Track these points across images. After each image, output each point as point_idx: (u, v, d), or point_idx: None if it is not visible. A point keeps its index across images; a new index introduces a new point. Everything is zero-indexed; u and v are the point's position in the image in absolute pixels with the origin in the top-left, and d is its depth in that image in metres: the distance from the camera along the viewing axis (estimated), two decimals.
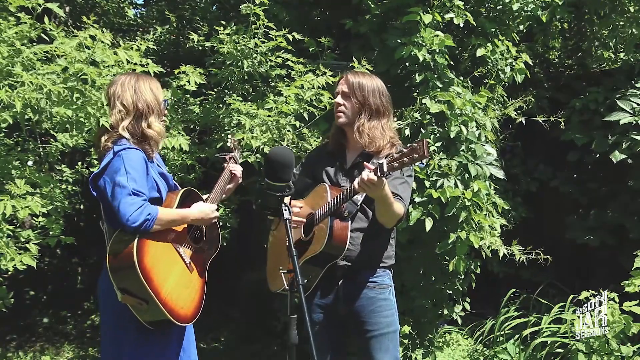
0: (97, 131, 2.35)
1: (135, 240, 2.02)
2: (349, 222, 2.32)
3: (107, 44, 2.88)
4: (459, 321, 4.10)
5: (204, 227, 2.31)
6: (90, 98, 2.63)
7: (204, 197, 2.50)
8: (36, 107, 2.56)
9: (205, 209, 2.25)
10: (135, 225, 1.99)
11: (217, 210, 2.34)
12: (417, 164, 2.00)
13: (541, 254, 3.42)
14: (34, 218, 2.95)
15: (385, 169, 2.02)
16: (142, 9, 6.03)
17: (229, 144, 2.79)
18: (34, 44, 2.77)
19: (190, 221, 2.21)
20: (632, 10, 4.65)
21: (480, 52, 3.70)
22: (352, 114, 2.41)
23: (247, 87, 3.73)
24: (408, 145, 2.01)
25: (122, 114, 2.18)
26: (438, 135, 3.41)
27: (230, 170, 2.55)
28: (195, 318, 2.19)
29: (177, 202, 2.22)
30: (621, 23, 4.74)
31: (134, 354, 2.13)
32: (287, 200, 2.01)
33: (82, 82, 2.70)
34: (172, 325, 2.10)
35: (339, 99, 2.42)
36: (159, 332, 2.14)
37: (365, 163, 2.14)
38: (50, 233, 2.91)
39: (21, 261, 2.72)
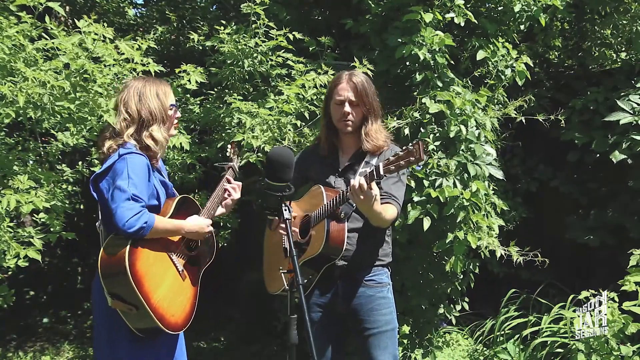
0: (100, 132, 2.35)
1: (128, 246, 2.01)
2: (346, 223, 2.33)
3: (110, 38, 2.87)
4: (453, 321, 4.10)
5: None
6: (93, 95, 2.63)
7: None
8: (38, 103, 2.56)
9: (200, 222, 2.24)
10: (131, 230, 1.98)
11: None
12: (415, 166, 2.01)
13: (539, 255, 3.41)
14: (34, 215, 2.95)
15: (381, 172, 2.03)
16: (142, 9, 6.03)
17: (227, 153, 2.77)
18: (35, 42, 2.77)
19: (184, 233, 2.21)
20: (633, 8, 4.64)
21: (480, 55, 3.70)
22: (359, 121, 2.42)
23: (247, 86, 3.73)
24: (404, 147, 2.01)
25: (127, 122, 2.18)
26: (437, 134, 3.41)
27: (225, 189, 2.51)
28: (186, 326, 2.19)
29: (172, 209, 2.22)
30: (624, 22, 4.73)
31: (127, 356, 2.13)
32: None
33: (83, 80, 2.71)
34: (161, 333, 2.09)
35: (347, 108, 2.40)
36: (150, 337, 2.14)
37: (359, 178, 2.10)
38: (51, 229, 2.92)
39: (26, 256, 2.72)
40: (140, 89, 2.20)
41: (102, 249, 2.08)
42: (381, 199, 2.29)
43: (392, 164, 2.01)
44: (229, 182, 2.54)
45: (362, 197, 2.07)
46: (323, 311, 2.42)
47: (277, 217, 2.03)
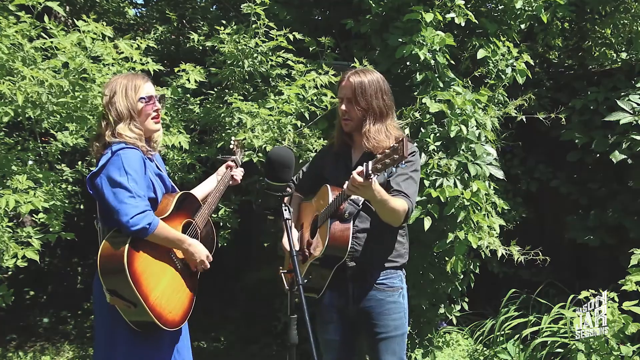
0: (93, 134, 2.35)
1: (127, 244, 2.00)
2: (351, 223, 2.30)
3: (109, 37, 2.87)
4: (454, 321, 4.10)
5: (199, 231, 2.30)
6: (93, 93, 2.62)
7: (201, 195, 2.50)
8: (37, 102, 2.55)
9: (202, 251, 2.21)
10: (134, 228, 1.98)
11: (218, 211, 2.34)
12: (399, 164, 1.97)
13: (540, 254, 3.42)
14: (34, 215, 2.94)
15: (369, 171, 2.01)
16: (142, 9, 6.02)
17: (231, 146, 2.79)
18: (33, 41, 2.77)
19: (182, 249, 2.18)
20: (634, 7, 4.63)
21: (481, 54, 3.70)
22: (358, 120, 2.39)
23: (247, 86, 3.73)
24: (391, 145, 2.00)
25: (105, 124, 2.20)
26: (438, 134, 3.41)
27: (232, 175, 2.56)
28: (183, 323, 2.19)
29: (173, 206, 2.21)
30: (624, 22, 4.72)
31: (129, 354, 2.13)
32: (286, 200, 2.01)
33: (82, 79, 2.70)
34: (159, 329, 2.09)
35: (344, 107, 2.39)
36: (151, 333, 2.14)
37: (354, 172, 2.10)
38: (51, 229, 2.91)
39: (24, 256, 2.71)
40: (113, 89, 2.21)
41: (101, 245, 2.07)
42: (391, 195, 2.27)
43: (378, 162, 1.98)
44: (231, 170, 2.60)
45: (359, 188, 2.05)
46: (336, 312, 2.42)
47: (276, 217, 2.02)
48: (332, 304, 2.42)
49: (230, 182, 2.59)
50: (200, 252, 2.21)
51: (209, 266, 2.25)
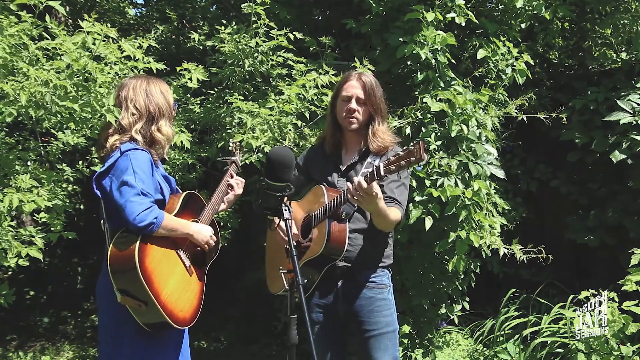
0: (103, 130, 2.34)
1: (137, 242, 2.02)
2: (347, 223, 2.32)
3: (112, 38, 2.87)
4: (456, 321, 4.10)
5: None
6: (95, 95, 2.62)
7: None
8: (40, 103, 2.55)
9: (205, 231, 2.26)
10: (141, 225, 1.99)
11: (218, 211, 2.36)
12: (416, 167, 2.00)
13: (543, 251, 3.42)
14: (35, 215, 2.95)
15: (382, 172, 2.02)
16: (143, 9, 6.03)
17: (230, 148, 2.79)
18: (36, 42, 2.76)
19: (188, 234, 2.21)
20: (634, 7, 4.63)
21: (481, 54, 3.70)
22: (364, 119, 2.41)
23: (248, 86, 3.73)
24: (404, 147, 2.01)
25: (135, 117, 2.21)
26: (439, 134, 3.41)
27: (229, 184, 2.56)
28: (194, 321, 2.20)
29: (179, 205, 2.23)
30: (624, 22, 4.73)
31: (134, 354, 2.13)
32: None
33: (85, 80, 2.70)
34: (169, 328, 2.10)
35: (354, 105, 2.40)
36: (157, 334, 2.14)
37: (360, 178, 2.10)
38: (52, 229, 2.91)
39: (27, 255, 2.71)
40: (145, 86, 2.26)
41: (110, 245, 2.07)
42: (384, 202, 2.28)
43: (392, 164, 2.00)
44: (231, 177, 2.59)
45: (362, 195, 2.06)
46: (324, 312, 2.42)
47: (277, 217, 2.02)
48: (319, 305, 2.43)
49: (229, 190, 2.58)
50: (205, 232, 2.25)
51: (213, 243, 2.31)
